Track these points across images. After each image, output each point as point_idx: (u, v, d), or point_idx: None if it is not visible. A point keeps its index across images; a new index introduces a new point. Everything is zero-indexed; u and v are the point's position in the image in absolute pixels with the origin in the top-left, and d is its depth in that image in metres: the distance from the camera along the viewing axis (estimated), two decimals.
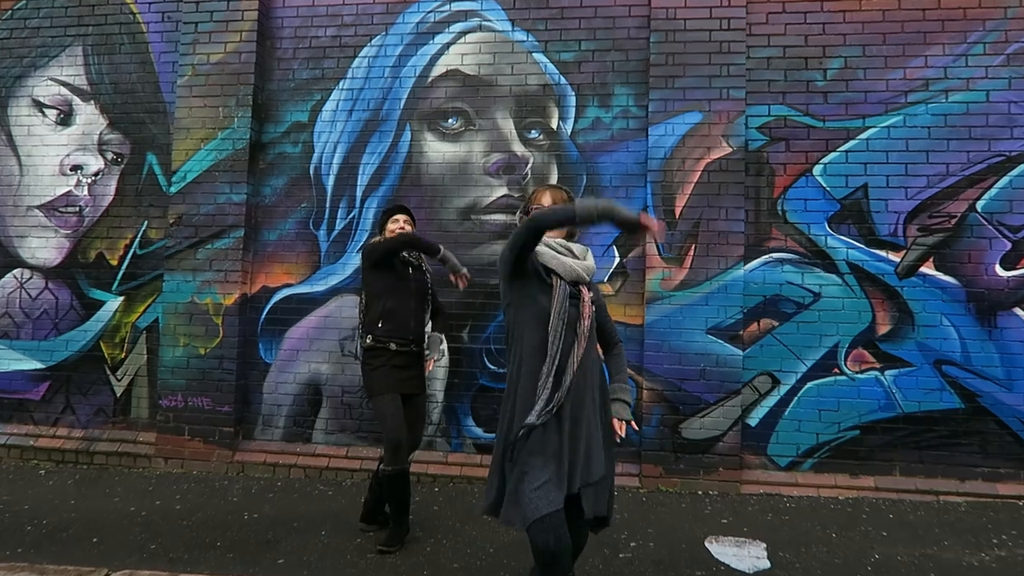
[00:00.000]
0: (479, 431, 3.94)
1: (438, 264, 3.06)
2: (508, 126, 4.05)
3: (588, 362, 1.95)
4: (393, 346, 2.92)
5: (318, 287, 4.15)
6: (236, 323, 4.08)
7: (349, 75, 4.22)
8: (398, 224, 3.06)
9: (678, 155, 3.78)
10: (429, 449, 3.92)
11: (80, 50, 4.57)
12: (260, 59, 4.24)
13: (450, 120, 4.12)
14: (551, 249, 2.03)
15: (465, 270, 3.11)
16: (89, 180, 4.49)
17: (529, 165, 4.02)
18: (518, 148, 4.03)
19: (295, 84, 4.29)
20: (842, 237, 3.75)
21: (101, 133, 4.51)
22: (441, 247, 3.01)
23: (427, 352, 3.09)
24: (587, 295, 2.00)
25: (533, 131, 4.04)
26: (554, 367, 1.86)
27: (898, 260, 3.70)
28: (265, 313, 4.19)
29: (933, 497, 3.53)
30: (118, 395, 4.36)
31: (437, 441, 3.97)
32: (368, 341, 2.95)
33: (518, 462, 1.85)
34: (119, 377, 4.36)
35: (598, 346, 2.11)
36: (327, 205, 4.19)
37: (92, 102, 4.54)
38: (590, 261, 2.10)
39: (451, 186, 4.06)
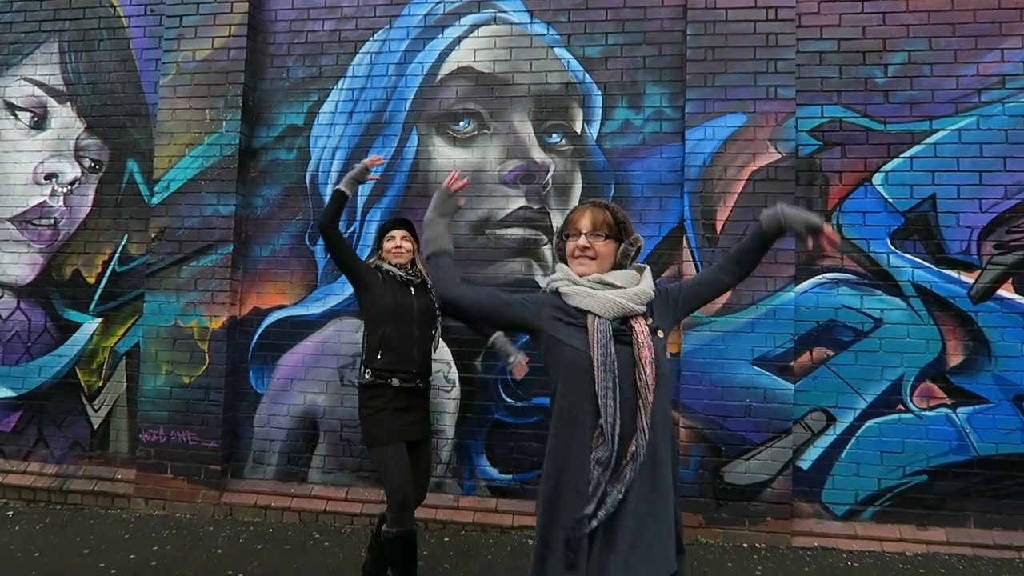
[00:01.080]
0: (494, 472, 3.58)
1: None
2: (526, 130, 3.69)
3: (659, 426, 1.48)
4: (395, 382, 2.55)
5: (315, 309, 3.80)
6: (224, 349, 3.74)
7: (349, 73, 3.87)
8: (394, 242, 2.72)
9: (719, 162, 3.40)
10: (438, 491, 3.55)
11: (56, 47, 4.25)
12: (251, 56, 3.90)
13: (461, 123, 3.76)
14: (581, 287, 1.58)
15: (519, 357, 2.85)
16: (65, 189, 4.17)
17: (550, 173, 3.65)
18: (537, 154, 3.67)
19: (290, 83, 3.94)
20: (906, 255, 3.36)
21: (78, 138, 4.18)
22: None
23: (509, 357, 2.81)
24: (642, 329, 1.50)
25: (554, 135, 3.67)
26: (613, 444, 1.43)
27: (971, 281, 3.31)
28: (256, 338, 3.85)
29: (1015, 554, 3.14)
30: (95, 427, 4.02)
31: (447, 483, 3.61)
32: (366, 376, 2.60)
33: None
34: (96, 407, 4.03)
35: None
36: None
37: (68, 104, 4.21)
38: (645, 284, 1.60)
39: (463, 196, 3.69)
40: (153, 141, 3.97)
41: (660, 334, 1.57)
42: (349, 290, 3.76)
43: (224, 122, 3.84)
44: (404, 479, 2.46)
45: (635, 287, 1.58)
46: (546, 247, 3.62)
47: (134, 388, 3.93)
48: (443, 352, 3.58)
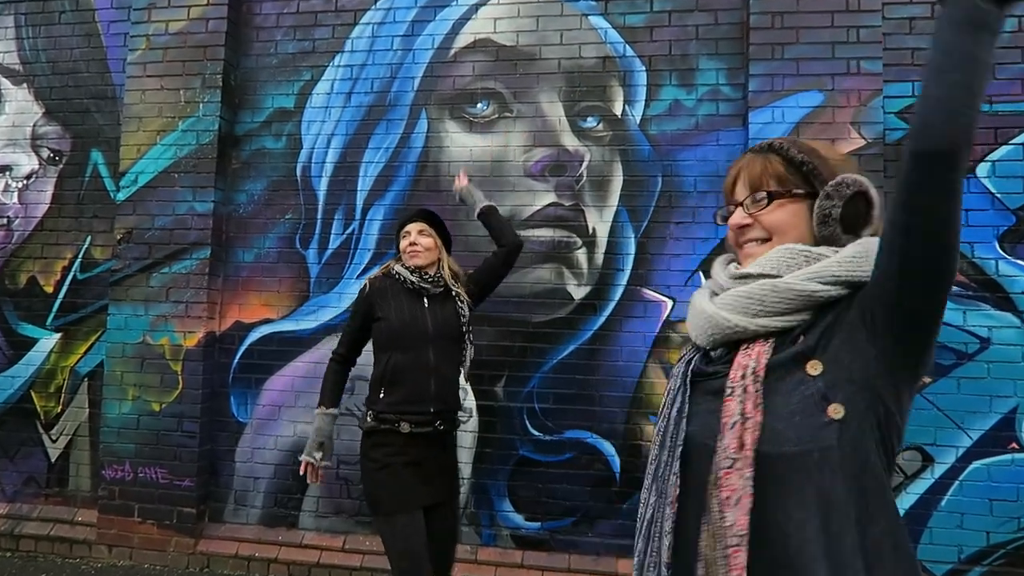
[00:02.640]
0: (519, 519, 3.09)
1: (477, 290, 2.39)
2: (556, 112, 3.20)
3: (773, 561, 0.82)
4: (405, 427, 2.06)
5: (307, 324, 3.32)
6: (200, 370, 3.26)
7: (347, 48, 3.39)
8: (408, 239, 2.23)
9: None
10: None
11: (11, 20, 3.79)
12: (233, 28, 3.42)
13: (479, 105, 3.27)
14: (699, 291, 1.05)
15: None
16: (19, 184, 3.70)
17: (584, 164, 3.16)
18: (569, 141, 3.18)
19: (278, 60, 3.46)
20: (1019, 262, 2.85)
21: (35, 125, 3.72)
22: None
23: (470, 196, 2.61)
24: (748, 363, 0.88)
25: (589, 119, 3.18)
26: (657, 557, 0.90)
27: None
28: (238, 357, 3.37)
29: None
30: (52, 460, 3.55)
31: (463, 531, 3.12)
32: (368, 420, 2.12)
33: None
34: (54, 437, 3.56)
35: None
36: (318, 216, 3.36)
37: (24, 86, 3.75)
38: (806, 271, 0.89)
39: (482, 192, 3.21)
40: (120, 128, 3.50)
41: (814, 370, 0.84)
42: (346, 302, 3.28)
43: (201, 105, 3.37)
44: (416, 560, 1.96)
45: (774, 279, 0.89)
46: (580, 251, 3.13)
47: (97, 416, 3.46)
48: None
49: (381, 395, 2.10)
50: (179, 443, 3.25)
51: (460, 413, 2.27)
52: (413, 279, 2.16)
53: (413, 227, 2.25)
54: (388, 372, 2.10)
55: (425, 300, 2.18)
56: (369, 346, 2.27)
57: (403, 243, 2.25)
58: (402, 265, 2.22)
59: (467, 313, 2.21)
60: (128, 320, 3.34)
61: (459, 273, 2.32)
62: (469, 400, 3.13)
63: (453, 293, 2.21)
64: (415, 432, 2.06)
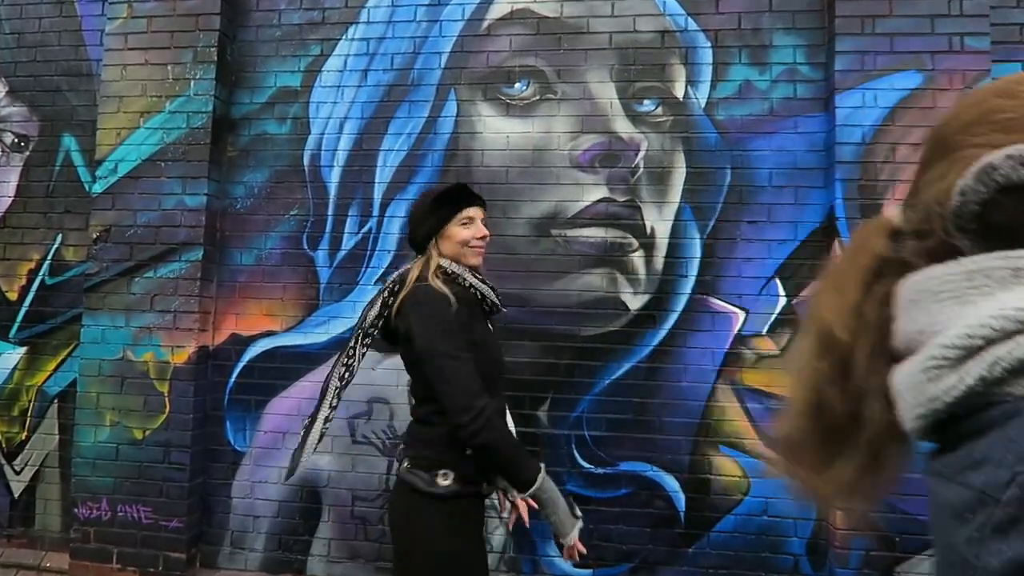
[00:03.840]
0: (566, 565, 2.71)
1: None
2: (607, 94, 2.83)
3: None
4: (488, 491, 1.67)
5: (316, 337, 2.92)
6: (191, 392, 2.85)
7: (363, 19, 3.00)
8: (474, 226, 1.69)
9: (884, 138, 2.56)
10: None
11: None
12: None
13: (518, 85, 2.90)
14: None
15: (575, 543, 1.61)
16: None
17: (641, 154, 2.80)
18: (623, 127, 2.82)
19: (282, 32, 3.06)
20: None
21: None
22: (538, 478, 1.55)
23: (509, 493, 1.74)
24: None
25: (646, 101, 2.82)
26: None
27: None
28: (235, 376, 2.96)
29: None
30: (16, 496, 3.12)
31: None
32: (444, 483, 1.57)
33: None
34: (18, 468, 3.12)
35: None
36: (329, 212, 2.96)
37: None
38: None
39: (520, 185, 2.84)
40: (97, 109, 3.09)
41: None
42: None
43: (192, 83, 2.96)
44: None
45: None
46: (637, 254, 2.76)
47: (69, 444, 3.03)
48: None
49: (468, 450, 1.57)
50: (166, 476, 2.84)
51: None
52: (489, 292, 1.70)
53: (477, 213, 1.70)
54: None
55: (490, 324, 1.76)
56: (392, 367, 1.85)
57: (466, 232, 1.67)
58: (465, 272, 1.68)
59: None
60: (105, 332, 2.92)
61: None
62: (509, 426, 2.75)
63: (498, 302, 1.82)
64: (486, 494, 1.67)
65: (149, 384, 2.88)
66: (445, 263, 1.66)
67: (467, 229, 1.69)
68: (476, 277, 1.69)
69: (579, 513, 1.61)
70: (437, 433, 1.60)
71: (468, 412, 1.47)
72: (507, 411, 1.74)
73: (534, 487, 1.50)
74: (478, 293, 1.68)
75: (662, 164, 2.78)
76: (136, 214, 2.95)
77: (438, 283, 1.59)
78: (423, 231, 1.70)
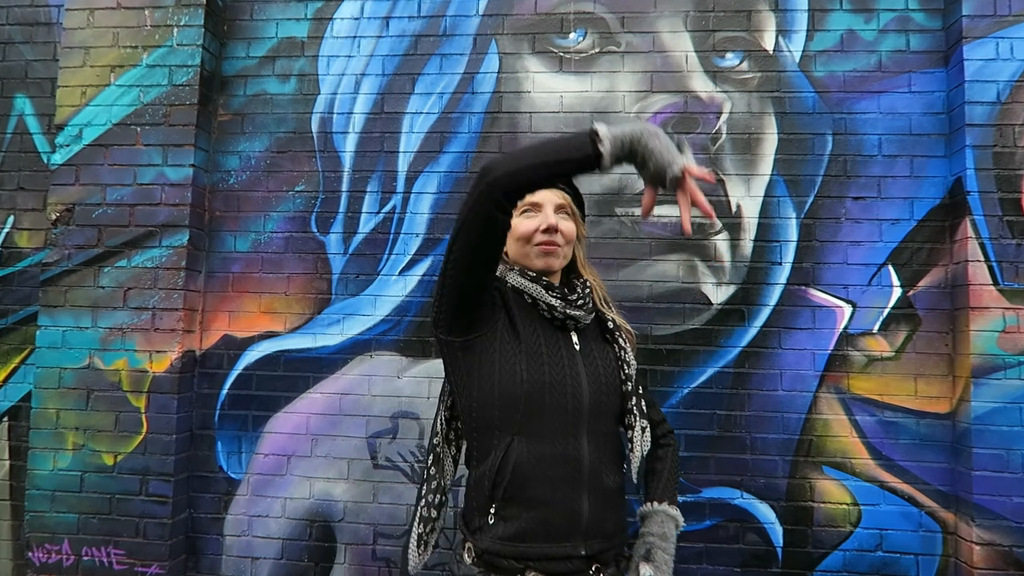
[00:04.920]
0: None
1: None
2: (682, 45, 2.42)
3: None
4: None
5: (328, 339, 2.46)
6: (174, 406, 2.37)
7: None
8: (539, 215, 1.32)
9: (1022, 97, 2.18)
10: None
11: None
12: None
13: (573, 35, 2.47)
14: None
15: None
16: None
17: (723, 117, 2.38)
18: (702, 86, 2.40)
19: None
20: None
21: None
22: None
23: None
24: None
25: (729, 55, 2.41)
26: None
27: None
28: (229, 387, 2.48)
29: None
30: None
31: None
32: (466, 558, 1.26)
33: None
34: None
35: None
36: (343, 188, 2.50)
37: None
38: None
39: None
40: (57, 64, 2.59)
41: None
42: (383, 309, 2.44)
43: (176, 31, 2.48)
44: None
45: None
46: (720, 237, 2.34)
47: (22, 471, 2.53)
48: None
49: (490, 518, 1.21)
50: (143, 511, 2.35)
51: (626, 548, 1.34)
52: (553, 301, 1.29)
53: (546, 195, 1.33)
54: (504, 473, 1.20)
55: (574, 338, 1.32)
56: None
57: (529, 223, 1.32)
58: (520, 272, 1.33)
59: (633, 364, 1.35)
60: (67, 335, 2.42)
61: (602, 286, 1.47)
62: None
63: (610, 325, 1.38)
64: None
65: (122, 398, 2.39)
66: (499, 270, 1.34)
67: (529, 220, 1.32)
68: (528, 276, 1.32)
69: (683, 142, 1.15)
70: (470, 481, 1.29)
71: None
72: (573, 458, 1.20)
73: (602, 146, 1.07)
74: (528, 296, 1.31)
75: (749, 129, 2.37)
76: (105, 190, 2.46)
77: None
78: None
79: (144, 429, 2.38)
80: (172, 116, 2.47)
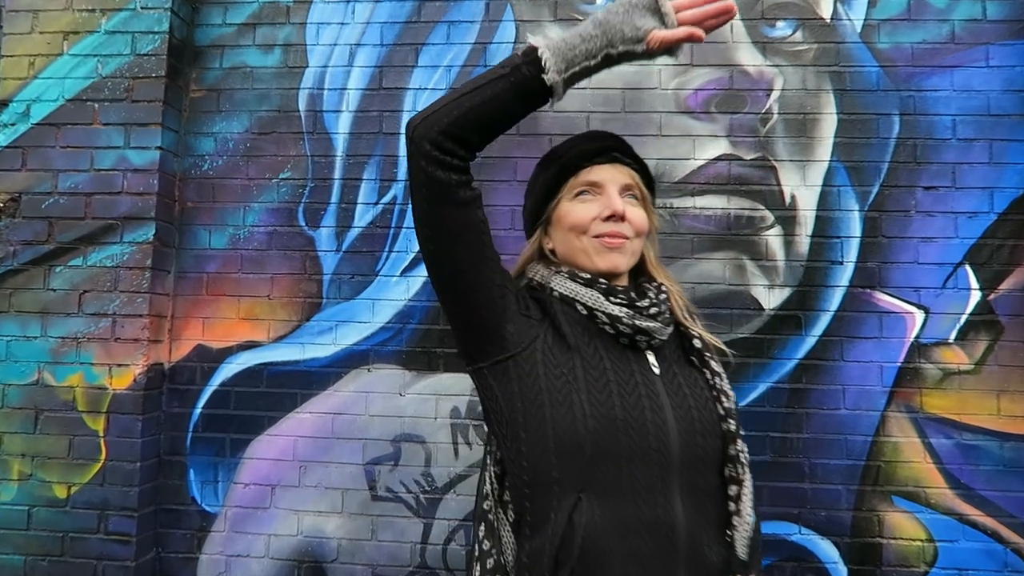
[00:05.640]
0: None
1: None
2: None
3: None
4: None
5: (317, 349, 2.15)
6: (138, 429, 2.06)
7: None
8: (597, 202, 1.01)
9: None
10: None
11: None
12: None
13: (600, 0, 2.18)
14: None
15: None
16: None
17: (774, 95, 2.11)
18: (749, 59, 2.12)
19: None
20: None
21: None
22: None
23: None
24: None
25: (780, 24, 2.13)
26: None
27: None
28: (202, 406, 2.17)
29: None
30: None
31: None
32: None
33: None
34: None
35: None
36: (336, 175, 2.20)
37: None
38: None
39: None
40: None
41: None
42: (384, 313, 2.14)
43: None
44: None
45: None
46: (772, 233, 2.07)
47: None
48: None
49: None
50: (102, 552, 2.04)
51: None
52: (616, 309, 0.98)
53: (608, 172, 1.02)
54: (572, 547, 0.89)
55: (650, 359, 1.01)
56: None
57: (577, 211, 1.01)
58: (568, 274, 1.02)
59: (732, 395, 1.03)
60: (11, 346, 2.10)
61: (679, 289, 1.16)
62: None
63: (697, 344, 1.06)
64: None
65: (76, 419, 2.07)
66: (539, 274, 1.07)
67: (585, 204, 1.02)
68: (580, 279, 1.01)
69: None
70: (523, 557, 0.96)
71: None
72: (665, 525, 0.89)
73: (542, 57, 0.88)
74: (580, 307, 1.00)
75: (804, 109, 2.10)
76: (57, 176, 2.14)
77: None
78: (526, 215, 1.14)
79: (103, 456, 2.06)
80: (136, 91, 2.15)
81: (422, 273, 2.14)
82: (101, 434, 2.07)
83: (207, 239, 2.22)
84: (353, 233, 2.18)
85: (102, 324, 2.10)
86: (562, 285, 1.00)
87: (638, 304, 0.98)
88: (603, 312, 0.97)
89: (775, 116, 2.09)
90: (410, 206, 0.98)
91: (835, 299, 2.03)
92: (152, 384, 2.11)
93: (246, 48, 2.26)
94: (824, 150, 2.08)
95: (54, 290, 2.11)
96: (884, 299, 2.03)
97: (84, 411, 2.08)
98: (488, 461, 1.03)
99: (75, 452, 2.07)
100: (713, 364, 1.02)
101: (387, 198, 2.18)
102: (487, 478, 1.03)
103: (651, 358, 0.98)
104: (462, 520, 2.06)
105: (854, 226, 2.05)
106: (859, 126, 2.07)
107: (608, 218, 0.99)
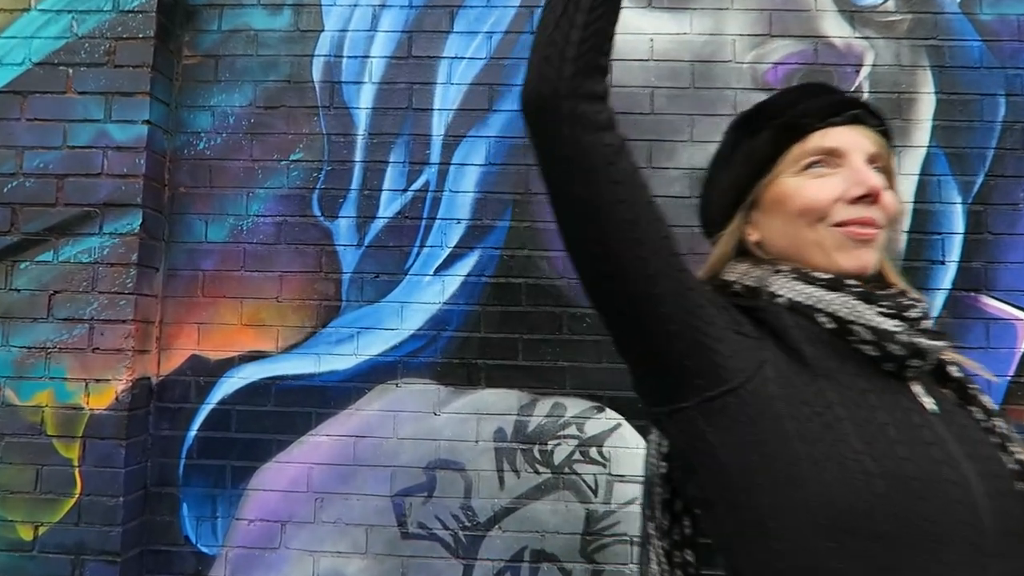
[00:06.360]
0: None
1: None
2: None
3: None
4: None
5: (335, 361, 1.86)
6: (121, 457, 1.75)
7: None
8: (841, 172, 0.72)
9: None
10: None
11: None
12: None
13: None
14: None
15: None
16: None
17: (864, 71, 1.87)
18: (836, 30, 1.89)
19: None
20: None
21: None
22: None
23: None
24: None
25: None
26: None
27: None
28: (197, 428, 1.87)
29: None
30: None
31: None
32: None
33: None
34: None
35: None
36: (356, 157, 1.91)
37: None
38: None
39: (672, 117, 1.87)
40: None
41: None
42: (413, 321, 1.86)
43: None
44: None
45: None
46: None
47: None
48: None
49: None
50: None
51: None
52: (886, 322, 0.68)
53: (850, 137, 0.73)
54: None
55: (915, 390, 0.70)
56: None
57: (816, 188, 0.72)
58: (798, 274, 0.73)
59: (1019, 439, 0.75)
60: None
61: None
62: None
63: (954, 372, 0.76)
64: None
65: (45, 446, 1.75)
66: (749, 275, 0.77)
67: (821, 180, 0.73)
68: (820, 282, 0.72)
69: None
70: None
71: None
72: None
73: None
74: (825, 319, 0.71)
75: (898, 87, 1.87)
76: (23, 155, 1.82)
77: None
78: (715, 196, 0.82)
79: (78, 489, 1.75)
80: (118, 54, 1.84)
81: (459, 272, 1.86)
82: (75, 463, 1.75)
83: (203, 231, 1.91)
84: (377, 225, 1.89)
85: (77, 331, 1.78)
86: (792, 289, 0.71)
87: (907, 315, 0.71)
88: (864, 326, 0.68)
89: (865, 95, 1.86)
90: (553, 211, 0.68)
91: (936, 304, 1.81)
92: (137, 403, 1.80)
93: (250, 8, 1.96)
94: (922, 135, 1.85)
95: (18, 290, 1.79)
96: (991, 304, 1.80)
97: (55, 436, 1.76)
98: (651, 531, 0.76)
99: (44, 485, 1.75)
100: (983, 399, 0.75)
101: (418, 184, 1.89)
102: (652, 556, 0.75)
103: (917, 389, 0.71)
104: (508, 561, 1.78)
105: (956, 221, 1.83)
106: (960, 108, 1.85)
107: (858, 199, 0.71)
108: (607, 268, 0.67)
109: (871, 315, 0.68)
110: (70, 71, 1.84)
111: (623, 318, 0.68)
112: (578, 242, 0.68)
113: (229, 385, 1.87)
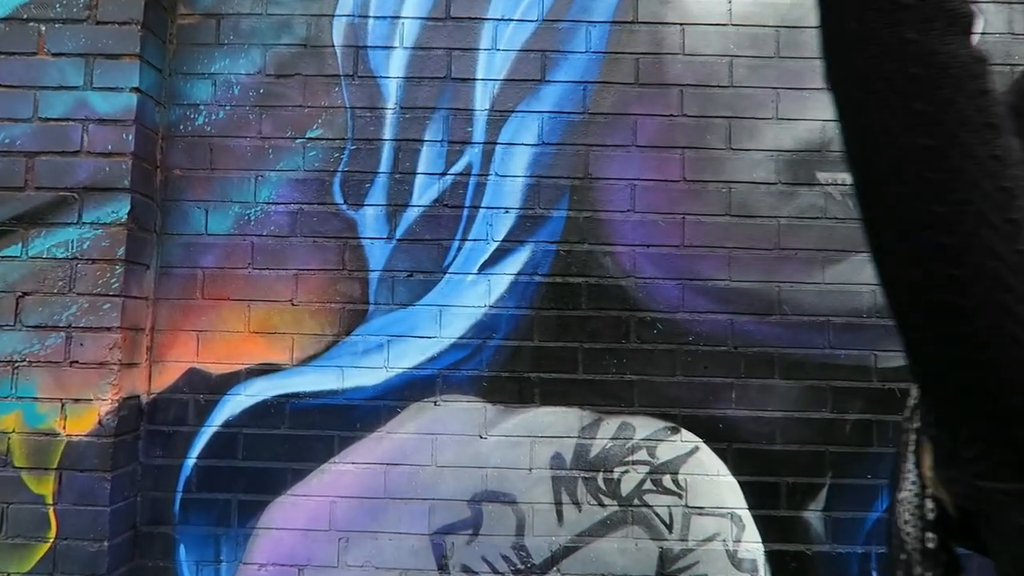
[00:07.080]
0: None
1: None
2: None
3: None
4: None
5: (362, 375, 1.60)
6: (105, 492, 1.47)
7: None
8: None
9: None
10: None
11: None
12: None
13: None
14: None
15: None
16: None
17: (973, 38, 1.65)
18: None
19: None
20: None
21: None
22: None
23: None
24: None
25: None
26: None
27: None
28: (197, 455, 1.59)
29: None
30: None
31: None
32: None
33: None
34: None
35: None
36: (385, 135, 1.65)
37: None
38: None
39: (754, 91, 1.64)
40: None
41: None
42: (454, 328, 1.60)
43: None
44: None
45: None
46: None
47: None
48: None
49: None
50: None
51: None
52: None
53: None
54: None
55: None
56: None
57: None
58: None
59: None
60: None
61: None
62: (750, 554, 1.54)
63: None
64: None
65: (12, 479, 1.47)
66: None
67: None
68: None
69: None
70: None
71: None
72: None
73: None
74: None
75: (1011, 59, 1.66)
76: None
77: None
78: None
79: (52, 532, 1.47)
80: (101, 8, 1.56)
81: (508, 270, 1.61)
82: (50, 501, 1.47)
83: (202, 221, 1.64)
84: (411, 214, 1.63)
85: (51, 341, 1.50)
86: None
87: None
88: None
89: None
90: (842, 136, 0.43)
91: None
92: (125, 426, 1.52)
93: None
94: None
95: None
96: None
97: (23, 467, 1.48)
98: None
99: (12, 527, 1.47)
100: None
101: (458, 167, 1.64)
102: None
103: None
104: None
105: None
106: None
107: None
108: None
109: None
110: (42, 28, 1.55)
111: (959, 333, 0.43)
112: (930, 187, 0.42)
113: (235, 404, 1.60)
